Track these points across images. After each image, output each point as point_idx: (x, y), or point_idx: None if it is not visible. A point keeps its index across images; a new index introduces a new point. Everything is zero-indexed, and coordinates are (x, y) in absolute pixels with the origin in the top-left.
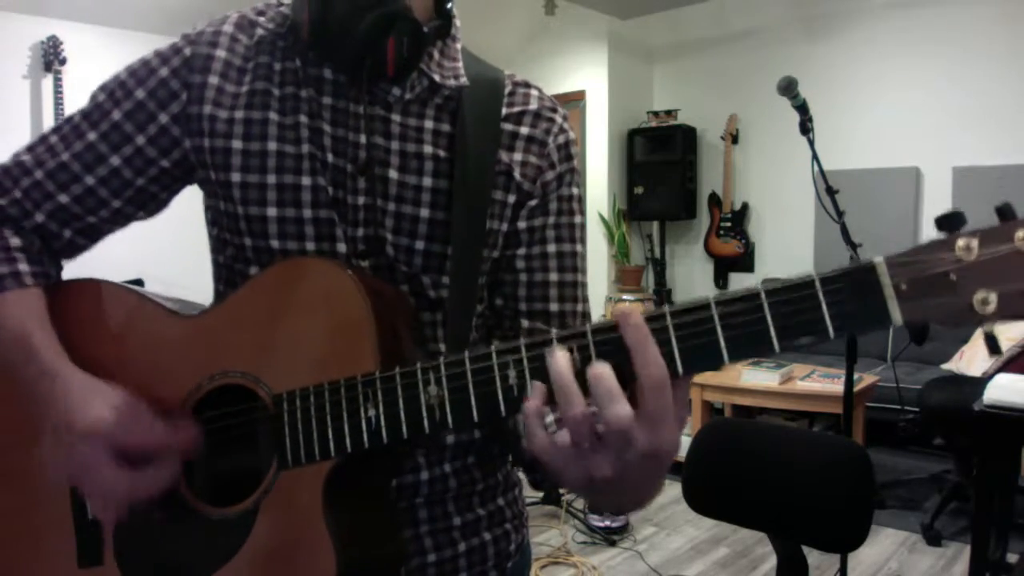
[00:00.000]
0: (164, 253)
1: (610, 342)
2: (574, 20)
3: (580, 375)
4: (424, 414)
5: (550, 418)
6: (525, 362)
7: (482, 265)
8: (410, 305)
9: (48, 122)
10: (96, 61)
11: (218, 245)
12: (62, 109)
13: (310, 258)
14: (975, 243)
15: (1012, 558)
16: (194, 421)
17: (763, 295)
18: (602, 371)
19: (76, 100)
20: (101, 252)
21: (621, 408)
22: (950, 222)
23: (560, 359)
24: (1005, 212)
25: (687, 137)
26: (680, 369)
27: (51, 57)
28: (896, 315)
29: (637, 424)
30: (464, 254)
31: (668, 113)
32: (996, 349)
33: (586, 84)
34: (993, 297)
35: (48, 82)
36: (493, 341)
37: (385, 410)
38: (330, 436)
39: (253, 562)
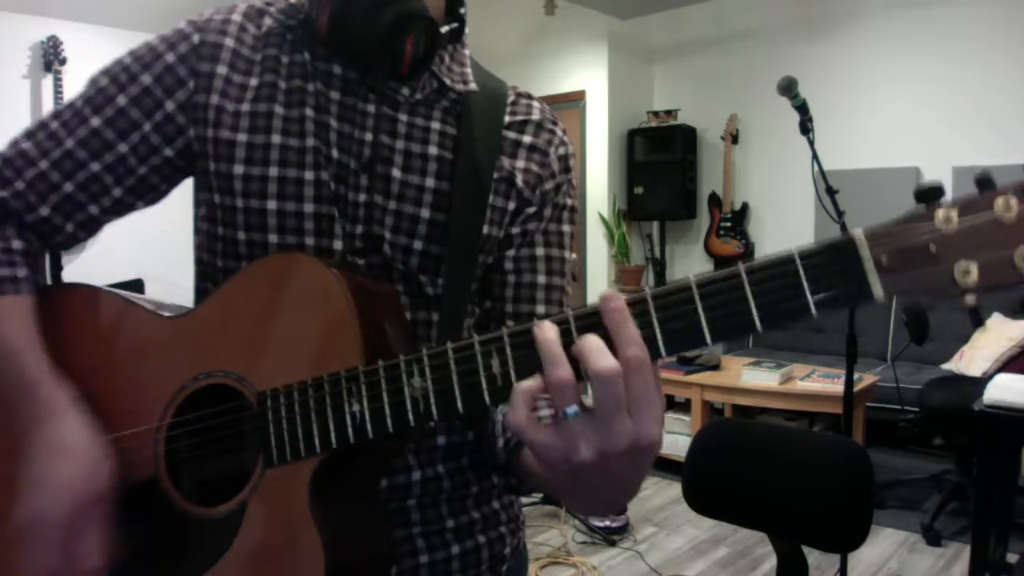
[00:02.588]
0: (164, 253)
1: (592, 326)
2: (574, 20)
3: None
4: (408, 407)
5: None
6: (508, 351)
7: (476, 269)
8: (399, 302)
9: None
10: (96, 61)
11: (206, 242)
12: None
13: (291, 254)
14: (954, 213)
15: (1012, 558)
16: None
17: (743, 273)
18: (589, 337)
19: None
20: (101, 252)
21: (608, 359)
22: (929, 194)
23: (548, 328)
24: (983, 182)
25: (687, 137)
26: (663, 350)
27: (51, 57)
28: (877, 289)
29: (623, 397)
30: (460, 256)
31: (668, 113)
32: (979, 322)
33: (586, 84)
34: (974, 267)
35: (48, 82)
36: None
37: (369, 404)
38: (314, 432)
39: (241, 562)
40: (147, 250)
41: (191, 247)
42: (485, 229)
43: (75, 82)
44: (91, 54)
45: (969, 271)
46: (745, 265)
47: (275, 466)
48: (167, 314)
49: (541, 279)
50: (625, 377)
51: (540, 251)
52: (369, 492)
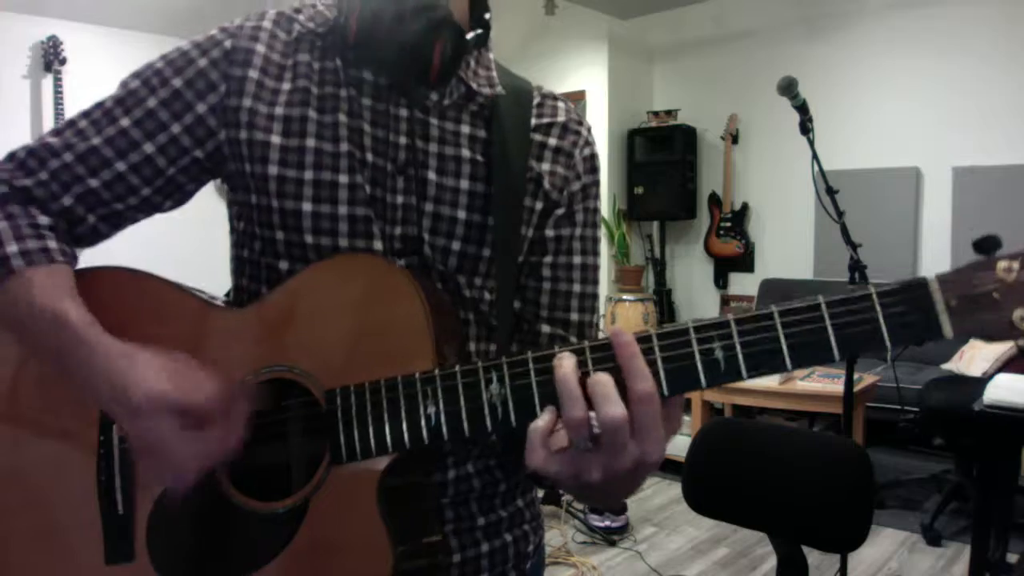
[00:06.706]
0: (165, 253)
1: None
2: (574, 20)
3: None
4: (487, 412)
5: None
6: (589, 363)
7: (517, 270)
8: (452, 305)
9: (48, 122)
10: (96, 61)
11: (244, 240)
12: (62, 109)
13: (362, 255)
14: (1016, 266)
15: (1012, 558)
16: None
17: (823, 306)
18: (602, 378)
19: (76, 100)
20: (102, 252)
21: (615, 408)
22: (986, 245)
23: (566, 362)
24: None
25: (687, 137)
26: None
27: (51, 57)
28: (947, 328)
29: (628, 433)
30: (505, 257)
31: (668, 113)
32: None
33: (586, 84)
34: None
35: (48, 82)
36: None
37: (446, 407)
38: (387, 433)
39: (303, 557)
40: (147, 250)
41: (192, 247)
42: (522, 230)
43: (75, 82)
44: (91, 54)
45: None
46: (825, 298)
47: (343, 464)
48: (220, 304)
49: (576, 288)
50: (634, 407)
51: (577, 259)
52: (423, 490)
